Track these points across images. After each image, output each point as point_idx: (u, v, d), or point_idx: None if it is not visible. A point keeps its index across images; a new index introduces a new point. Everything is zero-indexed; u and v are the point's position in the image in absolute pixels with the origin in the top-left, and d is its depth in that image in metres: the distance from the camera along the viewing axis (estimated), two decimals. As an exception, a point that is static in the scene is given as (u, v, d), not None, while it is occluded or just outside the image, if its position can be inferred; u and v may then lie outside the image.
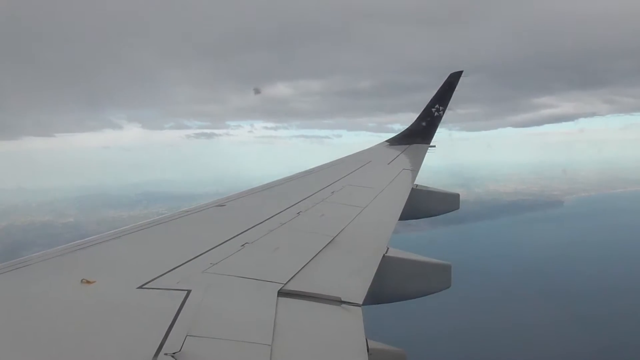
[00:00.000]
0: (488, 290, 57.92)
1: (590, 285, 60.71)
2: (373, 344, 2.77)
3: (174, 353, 2.07)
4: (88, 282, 2.81)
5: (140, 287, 2.79)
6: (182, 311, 2.48)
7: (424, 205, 8.11)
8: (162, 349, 2.09)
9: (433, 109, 11.37)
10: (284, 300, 2.86)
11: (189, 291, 2.74)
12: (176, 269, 3.13)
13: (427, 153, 10.81)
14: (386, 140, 12.06)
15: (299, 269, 3.39)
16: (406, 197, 6.88)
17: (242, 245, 3.81)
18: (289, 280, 3.15)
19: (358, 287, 3.29)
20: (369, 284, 3.40)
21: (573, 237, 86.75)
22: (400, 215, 5.98)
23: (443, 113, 11.40)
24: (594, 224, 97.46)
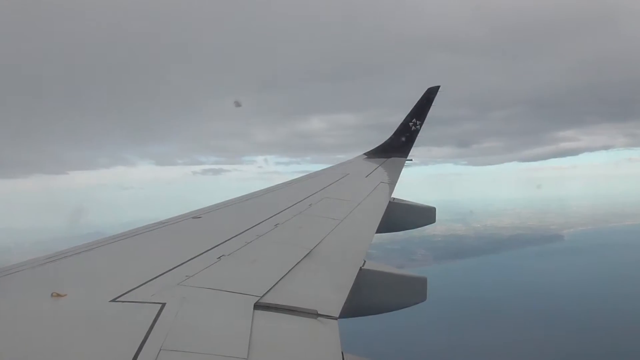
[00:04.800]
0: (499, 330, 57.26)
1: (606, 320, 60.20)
2: (349, 357, 2.78)
3: None
4: (59, 295, 2.74)
5: (113, 300, 2.73)
6: (156, 324, 2.44)
7: (401, 218, 8.18)
8: None
9: (410, 124, 11.54)
10: (260, 313, 2.84)
11: (163, 304, 2.70)
12: (150, 282, 3.08)
13: (404, 167, 10.95)
14: (364, 153, 12.15)
15: (276, 281, 3.38)
16: (383, 210, 6.93)
17: (219, 257, 3.77)
18: (266, 293, 3.13)
19: (335, 300, 3.29)
20: (346, 297, 3.41)
21: (585, 271, 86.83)
22: (378, 228, 6.02)
23: (420, 127, 11.58)
24: (603, 259, 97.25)
